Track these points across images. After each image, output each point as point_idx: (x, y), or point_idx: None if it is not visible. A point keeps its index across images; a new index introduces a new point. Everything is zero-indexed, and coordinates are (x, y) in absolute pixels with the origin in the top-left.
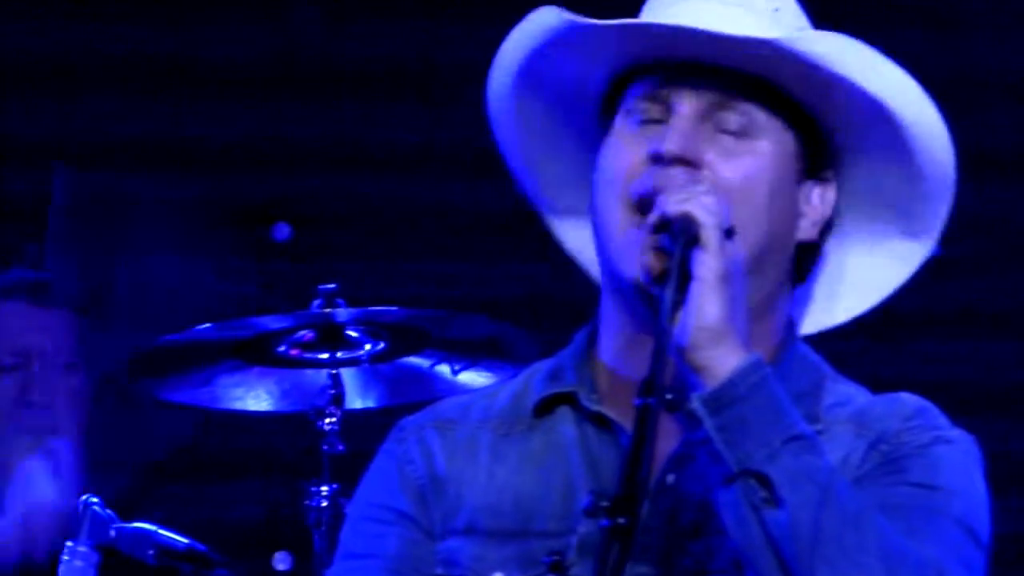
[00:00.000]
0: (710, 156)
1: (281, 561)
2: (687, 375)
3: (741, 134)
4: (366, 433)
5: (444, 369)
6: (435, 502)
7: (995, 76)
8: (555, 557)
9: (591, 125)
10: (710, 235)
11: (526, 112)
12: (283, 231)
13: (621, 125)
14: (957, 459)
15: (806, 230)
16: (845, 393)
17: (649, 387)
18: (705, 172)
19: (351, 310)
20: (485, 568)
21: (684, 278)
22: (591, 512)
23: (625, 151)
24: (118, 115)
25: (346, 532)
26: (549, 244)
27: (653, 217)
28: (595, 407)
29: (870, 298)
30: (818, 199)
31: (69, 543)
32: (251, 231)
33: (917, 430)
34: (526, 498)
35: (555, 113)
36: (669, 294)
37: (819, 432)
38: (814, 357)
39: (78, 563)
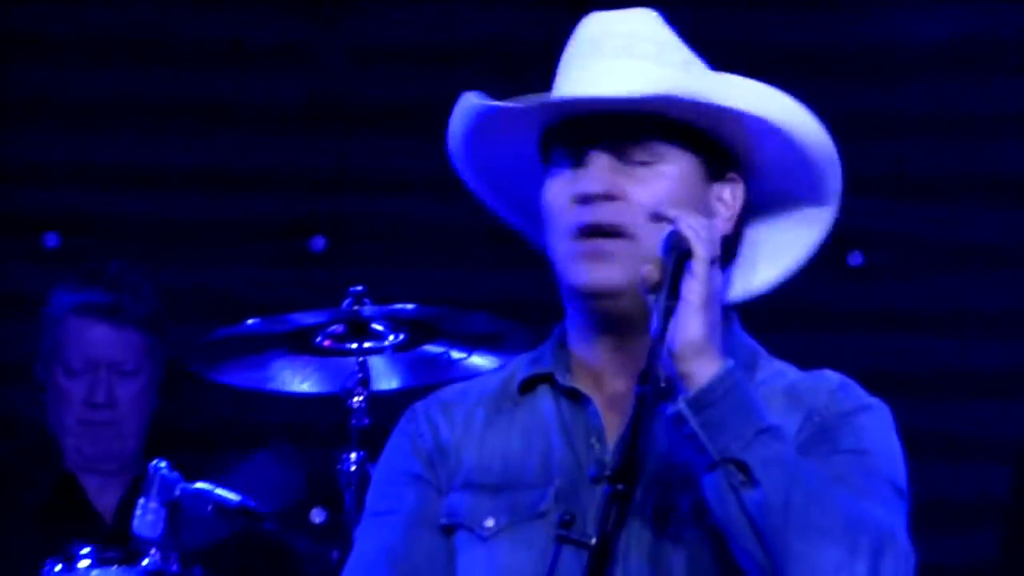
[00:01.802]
0: (626, 187)
1: (317, 515)
2: (673, 375)
3: (648, 163)
4: (388, 410)
5: (453, 356)
6: (440, 465)
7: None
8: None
9: (535, 164)
10: (700, 266)
11: (481, 161)
12: (319, 243)
13: (555, 170)
14: (877, 424)
15: (723, 224)
16: (776, 369)
17: (645, 377)
18: (624, 203)
19: (376, 307)
20: (480, 515)
21: (674, 290)
22: (597, 480)
23: (561, 191)
24: (179, 147)
25: (371, 494)
26: (537, 258)
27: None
28: (568, 384)
29: (786, 265)
30: (729, 196)
31: (141, 500)
32: (292, 243)
33: (842, 401)
34: (512, 458)
35: (504, 160)
36: (662, 301)
37: None
38: (747, 338)
39: (149, 517)
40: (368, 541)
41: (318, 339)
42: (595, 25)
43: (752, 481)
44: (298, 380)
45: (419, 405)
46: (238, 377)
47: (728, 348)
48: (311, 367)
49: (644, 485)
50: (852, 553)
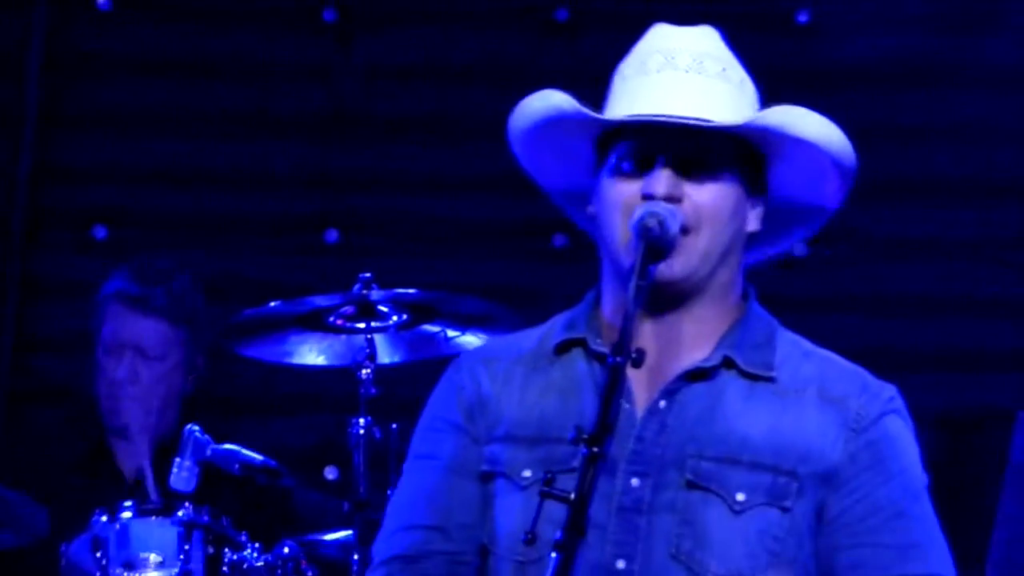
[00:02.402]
0: (686, 191)
1: (330, 472)
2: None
3: (705, 174)
4: (392, 381)
5: (449, 334)
6: (480, 417)
7: None
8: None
9: (588, 153)
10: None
11: (541, 146)
12: (332, 236)
13: (617, 167)
14: (902, 431)
15: (752, 225)
16: (791, 342)
17: (618, 349)
18: (685, 205)
19: (381, 292)
20: (518, 466)
21: (643, 271)
22: (574, 442)
23: (623, 188)
24: (211, 152)
25: (416, 438)
26: (522, 249)
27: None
28: (600, 349)
29: (783, 248)
30: (759, 210)
31: (177, 459)
32: (309, 236)
33: (870, 403)
34: (549, 414)
35: (560, 147)
36: (634, 281)
37: (774, 379)
38: (765, 314)
39: (184, 474)
40: (410, 482)
41: (331, 319)
42: (665, 38)
43: None
44: (314, 354)
45: (463, 359)
46: (262, 352)
47: (746, 323)
48: (325, 343)
49: (657, 440)
50: None
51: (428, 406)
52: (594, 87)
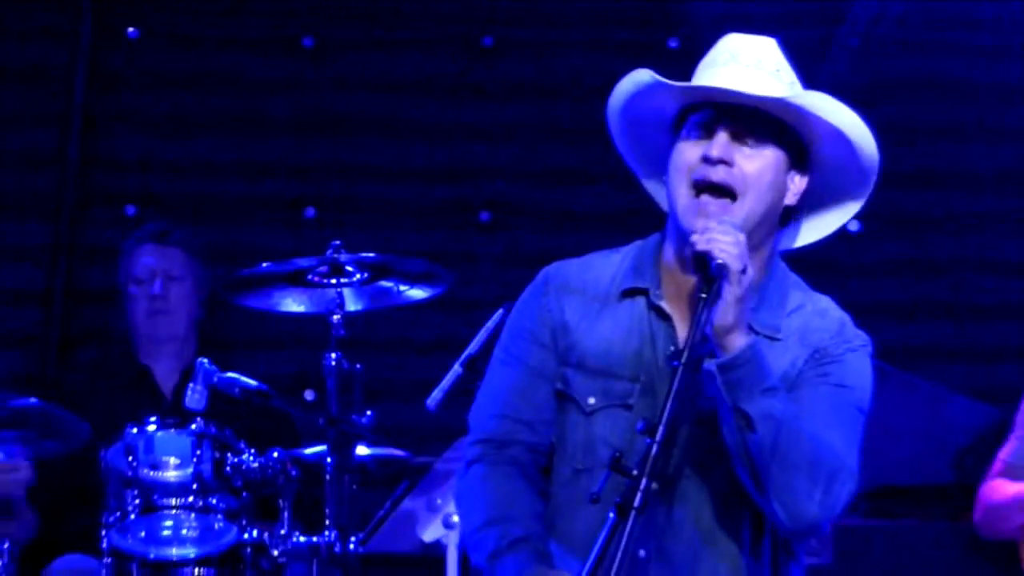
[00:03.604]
0: (737, 159)
1: (309, 394)
2: (712, 346)
3: (754, 145)
4: (356, 324)
5: (400, 288)
6: (562, 338)
7: None
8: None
9: (667, 134)
10: (734, 276)
11: (630, 126)
12: (310, 212)
13: (685, 137)
14: (860, 361)
15: (790, 199)
16: (798, 300)
17: (679, 355)
18: (735, 170)
19: (348, 255)
20: (584, 392)
21: (716, 293)
22: (642, 433)
23: (687, 153)
24: (216, 147)
25: (505, 341)
26: (456, 222)
27: (701, 248)
28: (658, 303)
29: (821, 234)
30: (798, 182)
31: (190, 384)
32: (292, 213)
33: (839, 342)
34: (614, 351)
35: (646, 126)
36: (705, 315)
37: (778, 340)
38: (785, 280)
39: (196, 396)
40: (500, 377)
41: (309, 276)
42: (735, 42)
43: (751, 427)
44: (295, 304)
45: (551, 281)
46: (255, 302)
47: (770, 282)
48: (304, 295)
49: (688, 423)
50: (813, 482)
51: (516, 315)
52: (510, 100)
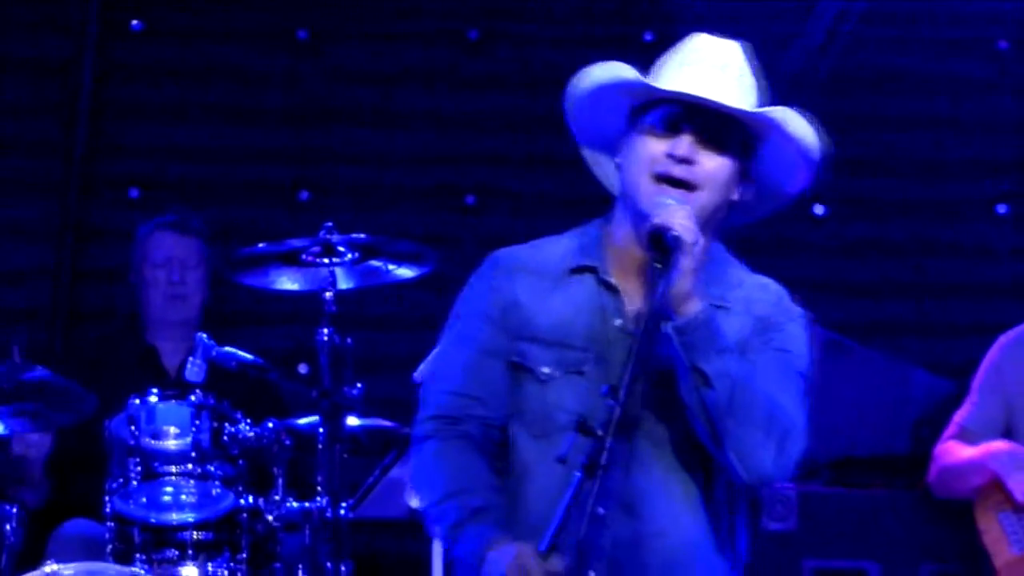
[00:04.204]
0: (699, 158)
1: (302, 368)
2: (669, 312)
3: (715, 148)
4: (347, 302)
5: (389, 267)
6: (514, 315)
7: None
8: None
9: (622, 116)
10: (688, 246)
11: (586, 108)
12: (304, 195)
13: (650, 130)
14: (799, 331)
15: (736, 194)
16: (740, 276)
17: (640, 321)
18: (696, 168)
19: (340, 236)
20: (539, 362)
21: (672, 264)
22: (606, 396)
23: (652, 147)
24: (215, 134)
25: (455, 321)
26: (443, 205)
27: (658, 223)
28: (607, 278)
29: (756, 217)
30: (741, 192)
31: (190, 358)
32: (288, 196)
33: (779, 312)
34: (566, 324)
35: (605, 107)
36: (662, 284)
37: (726, 309)
38: (727, 254)
39: (196, 369)
40: (451, 356)
41: (303, 256)
42: (702, 42)
43: (709, 385)
44: (290, 282)
45: (499, 263)
46: (253, 280)
47: (711, 262)
48: (299, 274)
49: (645, 385)
50: (768, 437)
51: (466, 296)
52: (495, 90)
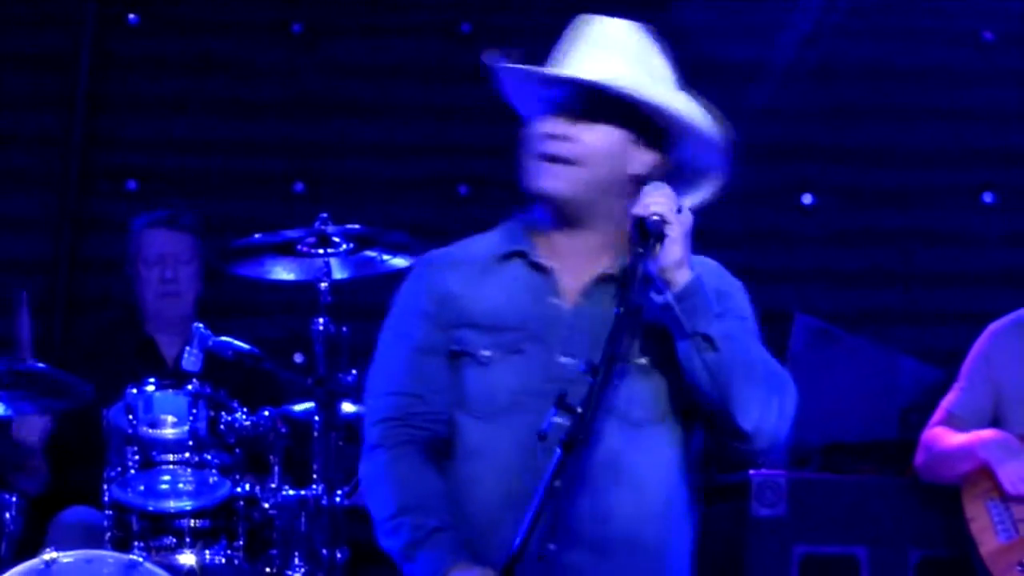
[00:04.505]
0: (578, 133)
1: (297, 357)
2: (660, 284)
3: (595, 122)
4: (342, 292)
5: (383, 258)
6: (450, 307)
7: None
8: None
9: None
10: (672, 217)
11: (515, 101)
12: (299, 187)
13: (539, 113)
14: (747, 302)
15: (637, 168)
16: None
17: (620, 300)
18: (575, 144)
19: (335, 227)
20: (478, 346)
21: (653, 246)
22: (585, 373)
23: (534, 128)
24: (212, 128)
25: (391, 322)
26: (436, 196)
27: (637, 213)
28: (536, 259)
29: (698, 199)
30: (647, 159)
31: (187, 348)
32: (283, 187)
33: (725, 285)
34: (501, 308)
35: (527, 98)
36: (642, 266)
37: None
38: None
39: (192, 358)
40: (389, 356)
41: (299, 247)
42: (593, 24)
43: (714, 347)
44: (285, 272)
45: (432, 262)
46: (249, 270)
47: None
48: (294, 264)
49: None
50: (769, 392)
51: (401, 297)
52: (486, 82)
